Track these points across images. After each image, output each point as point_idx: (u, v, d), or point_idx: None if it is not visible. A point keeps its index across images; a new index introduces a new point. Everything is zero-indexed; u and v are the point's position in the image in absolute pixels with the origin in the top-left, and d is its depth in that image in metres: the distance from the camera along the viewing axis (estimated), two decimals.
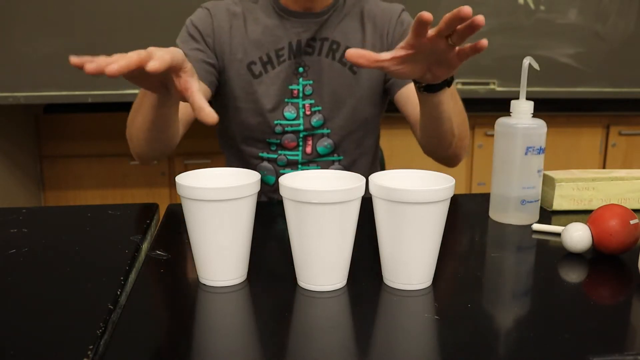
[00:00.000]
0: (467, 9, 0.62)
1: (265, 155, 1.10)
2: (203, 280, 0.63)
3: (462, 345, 0.51)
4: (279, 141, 1.08)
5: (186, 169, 2.19)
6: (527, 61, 0.81)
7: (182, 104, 0.97)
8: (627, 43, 2.04)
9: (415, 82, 0.81)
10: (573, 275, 0.68)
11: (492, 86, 2.01)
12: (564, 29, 2.01)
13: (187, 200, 0.60)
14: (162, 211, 0.89)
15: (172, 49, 0.63)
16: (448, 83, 0.81)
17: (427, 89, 0.81)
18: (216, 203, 0.59)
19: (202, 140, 2.14)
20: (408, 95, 1.05)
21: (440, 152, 0.99)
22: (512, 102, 0.82)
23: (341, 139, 1.09)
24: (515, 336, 0.53)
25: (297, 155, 1.08)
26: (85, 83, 1.83)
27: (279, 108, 1.06)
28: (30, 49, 1.80)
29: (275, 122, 1.06)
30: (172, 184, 2.22)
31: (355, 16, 1.08)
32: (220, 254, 0.62)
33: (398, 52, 0.71)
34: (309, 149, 1.08)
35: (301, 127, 1.07)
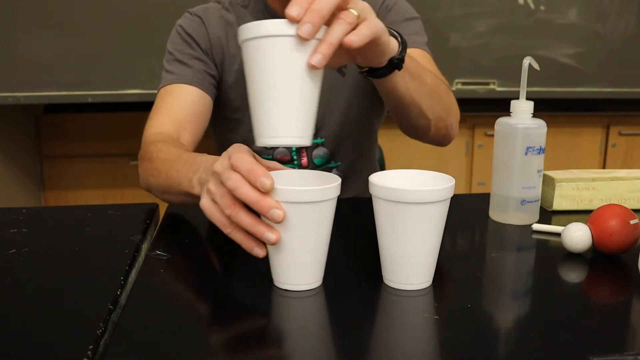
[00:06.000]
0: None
1: None
2: (283, 286, 0.61)
3: (462, 345, 0.51)
4: (270, 157, 1.03)
5: None
6: (527, 61, 0.81)
7: (197, 97, 0.95)
8: (627, 43, 2.04)
9: (358, 67, 0.73)
10: (573, 275, 0.68)
11: (492, 86, 2.01)
12: (564, 29, 2.01)
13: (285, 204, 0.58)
14: (162, 211, 0.89)
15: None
16: (395, 65, 0.71)
17: (371, 74, 0.72)
18: (311, 205, 0.58)
19: (202, 140, 2.14)
20: None
21: (423, 137, 0.93)
22: (512, 102, 0.82)
23: (336, 146, 1.05)
24: (515, 336, 0.53)
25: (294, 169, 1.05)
26: (85, 83, 1.83)
27: None
28: (30, 49, 1.81)
29: None
30: None
31: None
32: (313, 257, 0.60)
33: None
34: (304, 161, 1.04)
35: None
